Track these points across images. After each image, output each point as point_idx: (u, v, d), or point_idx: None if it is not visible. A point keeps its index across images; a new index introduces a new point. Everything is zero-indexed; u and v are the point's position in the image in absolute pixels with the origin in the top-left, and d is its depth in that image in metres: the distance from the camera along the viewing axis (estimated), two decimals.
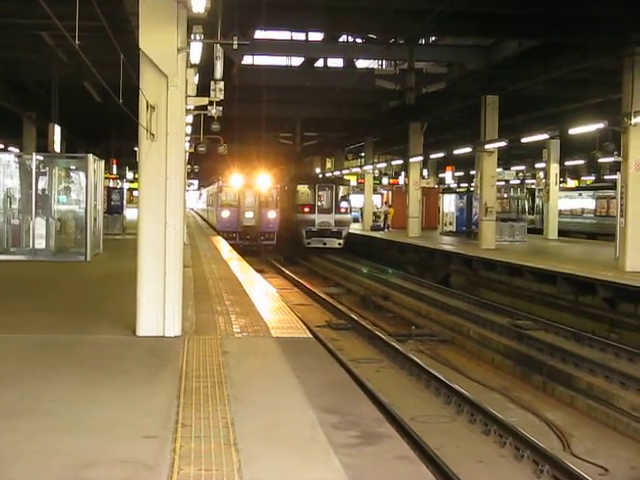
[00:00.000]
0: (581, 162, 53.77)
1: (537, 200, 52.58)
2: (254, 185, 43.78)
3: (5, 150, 36.76)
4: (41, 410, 7.57)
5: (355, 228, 48.34)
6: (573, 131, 27.69)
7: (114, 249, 25.79)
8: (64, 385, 8.56)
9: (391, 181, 60.10)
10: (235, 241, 40.69)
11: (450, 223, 45.48)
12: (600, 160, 40.94)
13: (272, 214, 43.41)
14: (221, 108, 21.68)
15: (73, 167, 25.40)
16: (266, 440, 6.73)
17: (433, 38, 28.57)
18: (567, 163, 51.29)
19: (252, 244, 41.99)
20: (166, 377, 8.91)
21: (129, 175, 57.92)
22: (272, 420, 7.31)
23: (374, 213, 52.03)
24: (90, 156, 23.36)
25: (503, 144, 32.74)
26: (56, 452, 6.39)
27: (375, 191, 56.62)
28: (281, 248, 43.34)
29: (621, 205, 23.56)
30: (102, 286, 17.47)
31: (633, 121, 22.43)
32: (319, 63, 33.42)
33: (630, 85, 22.55)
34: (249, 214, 43.22)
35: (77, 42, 8.47)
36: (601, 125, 25.33)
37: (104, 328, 11.83)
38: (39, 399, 7.95)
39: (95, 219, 23.85)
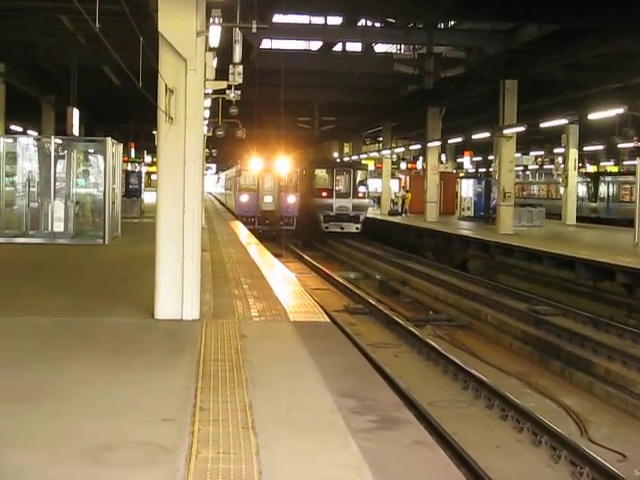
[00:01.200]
0: (600, 147, 53.49)
1: (602, 186, 49.34)
2: (273, 169, 43.00)
3: (24, 133, 36.87)
4: (57, 393, 7.59)
5: (373, 213, 48.29)
6: (592, 116, 27.56)
7: (132, 232, 25.83)
8: (81, 367, 8.57)
9: (409, 166, 59.97)
10: (254, 226, 40.11)
11: (468, 208, 45.35)
12: (619, 145, 40.79)
13: (292, 198, 42.63)
14: (239, 92, 21.70)
15: (91, 150, 25.42)
16: (284, 424, 6.73)
17: (452, 23, 28.45)
18: (586, 148, 51.01)
19: (271, 229, 41.39)
20: (184, 360, 8.93)
21: (147, 159, 58.02)
22: (290, 404, 7.32)
23: (391, 200, 51.90)
24: (108, 139, 23.38)
25: (522, 129, 32.60)
26: (74, 434, 6.41)
27: (393, 176, 56.51)
28: (299, 232, 43.20)
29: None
30: (120, 269, 17.50)
31: None
32: (337, 47, 33.34)
33: None
34: (268, 198, 42.49)
35: (97, 25, 8.47)
36: (621, 110, 25.18)
37: (122, 311, 11.86)
38: (55, 382, 7.98)
39: (113, 202, 23.88)
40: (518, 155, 45.84)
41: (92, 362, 8.78)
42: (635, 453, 11.49)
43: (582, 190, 49.64)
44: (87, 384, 7.94)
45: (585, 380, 15.23)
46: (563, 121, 32.38)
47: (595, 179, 51.01)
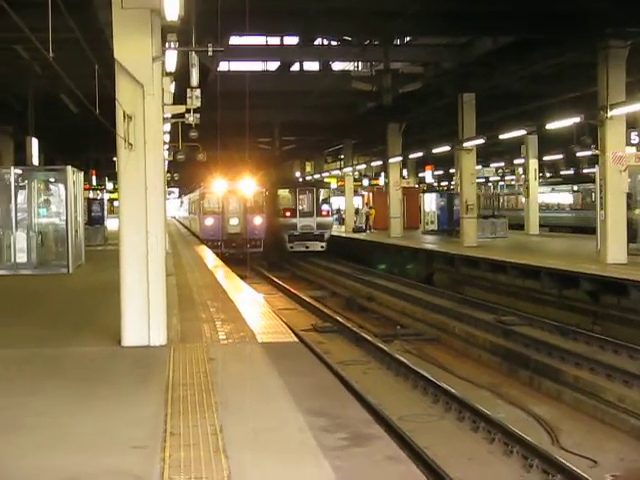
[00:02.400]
0: (559, 157, 53.96)
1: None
2: (238, 190, 41.94)
3: None
4: (28, 425, 7.53)
5: (337, 230, 48.34)
6: (550, 126, 27.77)
7: (96, 260, 25.70)
8: (50, 399, 8.51)
9: (372, 182, 60.18)
10: (220, 250, 39.01)
11: (432, 222, 45.54)
12: (578, 154, 41.13)
13: (258, 220, 41.77)
14: (198, 115, 21.68)
15: (52, 179, 25.26)
16: (255, 446, 6.73)
17: (408, 38, 28.64)
18: (545, 158, 51.43)
19: (238, 252, 40.13)
20: (153, 386, 8.89)
21: (109, 186, 57.78)
22: (261, 426, 7.31)
23: (356, 211, 51.98)
24: (69, 168, 23.27)
25: (481, 141, 32.79)
26: (44, 467, 6.37)
27: (356, 193, 56.66)
28: (264, 253, 43.04)
29: (600, 198, 23.66)
30: (86, 297, 17.41)
31: (609, 114, 22.54)
32: (295, 67, 33.44)
33: (605, 78, 22.65)
34: (234, 221, 41.65)
35: (51, 54, 8.45)
36: (578, 119, 25.41)
37: (89, 340, 11.79)
38: (25, 414, 7.91)
39: (76, 231, 23.75)
40: (479, 167, 46.14)
41: (60, 393, 8.72)
42: (606, 458, 11.56)
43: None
44: (55, 415, 7.88)
45: (554, 388, 15.32)
46: (522, 132, 32.61)
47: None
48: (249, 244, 41.04)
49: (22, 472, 6.27)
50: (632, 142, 23.65)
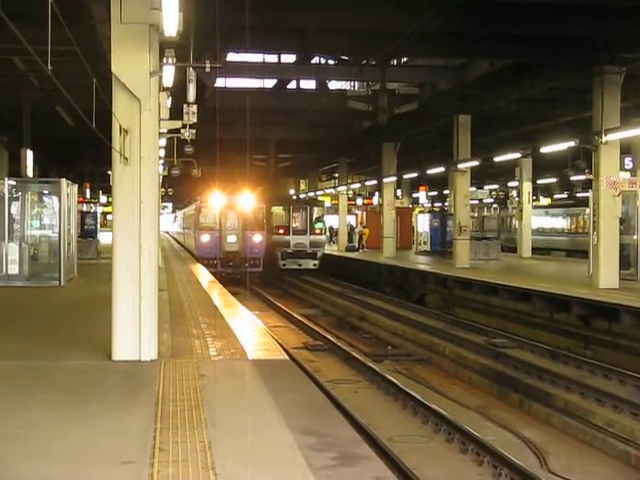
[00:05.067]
0: (553, 180, 54.11)
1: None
2: (237, 205, 39.71)
3: None
4: (15, 437, 7.50)
5: (330, 249, 48.35)
6: (545, 149, 27.82)
7: (89, 273, 25.67)
8: (38, 412, 8.48)
9: (365, 201, 60.22)
10: (216, 268, 36.91)
11: (425, 242, 45.54)
12: (572, 178, 41.25)
13: (258, 237, 39.39)
14: (194, 131, 21.72)
15: (46, 192, 25.26)
16: (244, 463, 6.70)
17: (405, 59, 28.75)
18: (540, 181, 51.59)
19: (235, 272, 37.86)
20: (142, 401, 8.87)
21: (103, 199, 57.72)
22: (250, 443, 7.29)
23: (349, 231, 51.93)
24: (63, 180, 23.28)
25: (476, 163, 32.89)
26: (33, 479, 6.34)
27: (350, 212, 56.71)
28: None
29: (593, 222, 23.71)
30: (77, 311, 17.37)
31: (604, 139, 22.60)
32: (292, 85, 33.53)
33: (600, 103, 22.74)
34: (232, 238, 39.26)
35: (49, 67, 8.46)
36: (572, 143, 25.48)
37: (79, 353, 11.75)
38: (13, 426, 7.89)
39: (69, 243, 23.72)
40: (473, 189, 46.21)
41: (49, 406, 8.69)
42: None
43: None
44: (44, 428, 7.85)
45: (544, 412, 15.30)
46: (516, 155, 32.69)
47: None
48: (248, 263, 38.65)
49: None
50: (626, 167, 23.75)
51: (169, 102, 19.78)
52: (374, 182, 48.81)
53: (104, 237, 39.56)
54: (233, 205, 39.85)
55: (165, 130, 22.10)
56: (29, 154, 24.66)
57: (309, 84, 33.93)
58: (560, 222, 50.15)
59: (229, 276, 36.15)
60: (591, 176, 24.45)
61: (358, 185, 53.69)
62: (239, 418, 8.18)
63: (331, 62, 29.67)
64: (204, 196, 41.26)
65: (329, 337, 23.13)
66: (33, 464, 6.72)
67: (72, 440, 7.42)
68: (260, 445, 7.24)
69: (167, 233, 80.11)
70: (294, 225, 43.92)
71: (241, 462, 6.73)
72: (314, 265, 42.99)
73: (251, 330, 15.06)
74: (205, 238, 39.20)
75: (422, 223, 46.56)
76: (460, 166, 32.68)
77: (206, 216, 40.18)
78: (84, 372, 10.61)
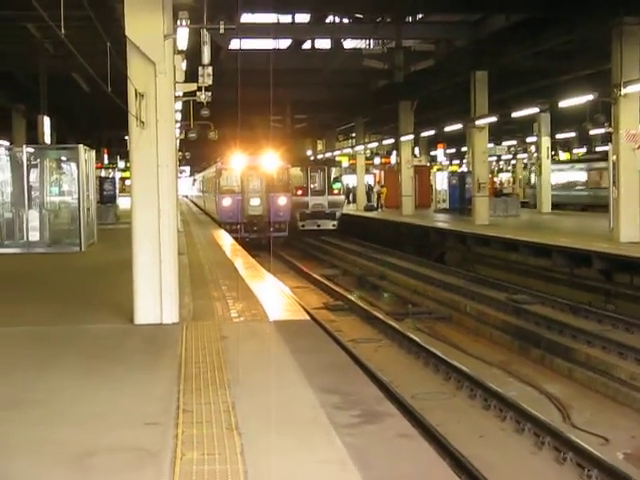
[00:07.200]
0: (572, 134, 53.75)
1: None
2: (259, 167, 37.68)
3: None
4: (39, 400, 7.58)
5: (349, 209, 48.30)
6: (563, 104, 27.64)
7: (108, 239, 25.75)
8: (62, 375, 8.55)
9: (383, 160, 60.09)
10: (239, 234, 35.26)
11: (443, 200, 45.49)
12: (591, 132, 40.99)
13: (283, 200, 37.58)
14: (210, 93, 21.64)
15: (64, 158, 25.31)
16: (267, 423, 6.73)
17: (420, 16, 28.53)
18: (558, 136, 51.26)
19: (259, 237, 36.23)
20: (165, 364, 8.92)
21: (121, 164, 57.83)
22: (273, 403, 7.31)
23: (367, 190, 51.81)
24: (81, 147, 23.30)
25: (493, 119, 32.70)
26: (58, 441, 6.40)
27: (367, 171, 56.58)
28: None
29: (613, 176, 23.57)
30: (98, 276, 17.44)
31: (623, 92, 22.41)
32: (307, 45, 33.37)
33: (619, 56, 22.52)
34: (255, 201, 37.23)
35: (63, 32, 8.45)
36: (591, 97, 25.30)
37: (101, 318, 11.82)
38: (36, 389, 7.96)
39: (88, 209, 23.77)
40: (491, 145, 46.00)
41: (72, 370, 8.76)
42: (617, 436, 11.57)
43: None
44: (68, 391, 7.92)
45: (566, 366, 15.30)
46: (534, 110, 32.50)
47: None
48: (272, 227, 36.91)
49: (33, 446, 6.30)
50: None
51: (184, 65, 19.70)
52: (391, 141, 48.62)
53: (123, 202, 39.67)
54: (256, 166, 37.90)
55: (181, 93, 22.02)
56: (46, 121, 24.67)
57: (324, 44, 33.76)
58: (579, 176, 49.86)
59: (253, 241, 35.06)
60: (610, 129, 24.27)
61: (375, 144, 53.51)
62: (261, 378, 8.21)
63: (346, 21, 29.49)
64: (225, 157, 39.73)
65: (350, 297, 23.14)
66: (60, 426, 6.78)
67: (96, 403, 7.48)
68: (283, 404, 7.26)
69: (186, 197, 80.00)
70: (312, 186, 43.72)
71: (264, 422, 6.76)
72: (333, 225, 42.87)
73: (272, 291, 15.10)
74: (227, 202, 37.42)
75: (440, 181, 46.48)
76: (478, 122, 32.47)
77: (227, 178, 38.35)
78: (107, 336, 10.68)
